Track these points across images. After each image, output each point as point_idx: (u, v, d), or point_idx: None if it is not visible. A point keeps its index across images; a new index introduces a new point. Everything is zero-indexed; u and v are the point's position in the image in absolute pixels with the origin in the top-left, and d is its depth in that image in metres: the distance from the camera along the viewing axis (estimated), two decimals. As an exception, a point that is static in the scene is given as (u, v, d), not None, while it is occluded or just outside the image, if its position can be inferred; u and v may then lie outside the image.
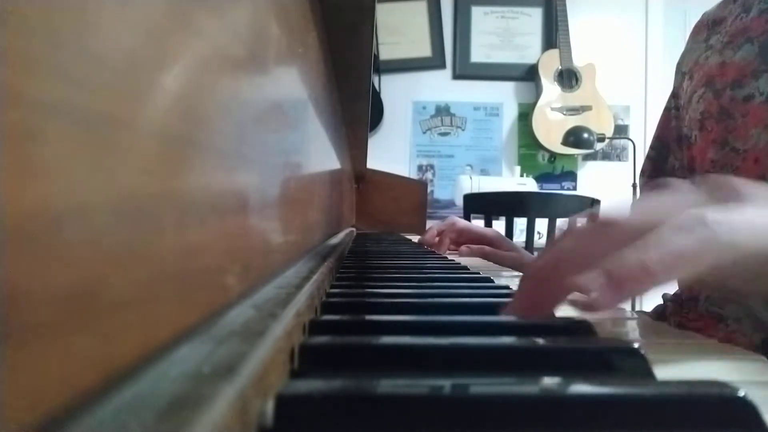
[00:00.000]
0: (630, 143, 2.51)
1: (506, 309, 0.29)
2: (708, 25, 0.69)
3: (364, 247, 0.92)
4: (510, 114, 2.78)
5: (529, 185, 2.42)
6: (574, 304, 0.25)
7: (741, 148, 0.58)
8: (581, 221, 0.31)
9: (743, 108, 0.59)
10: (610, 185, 2.62)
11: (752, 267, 0.26)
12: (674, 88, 0.77)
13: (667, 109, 0.78)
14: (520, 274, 0.66)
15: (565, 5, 2.67)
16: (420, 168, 2.76)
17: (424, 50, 2.77)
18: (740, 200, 0.27)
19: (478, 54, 2.79)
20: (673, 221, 0.25)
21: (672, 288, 0.68)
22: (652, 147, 0.80)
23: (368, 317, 0.29)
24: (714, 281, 0.30)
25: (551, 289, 0.28)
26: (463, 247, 0.87)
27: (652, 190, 0.30)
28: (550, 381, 0.18)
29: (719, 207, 0.26)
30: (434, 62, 2.77)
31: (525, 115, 2.74)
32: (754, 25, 0.60)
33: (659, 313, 0.69)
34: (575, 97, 2.65)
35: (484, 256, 0.85)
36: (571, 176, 2.76)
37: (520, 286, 0.31)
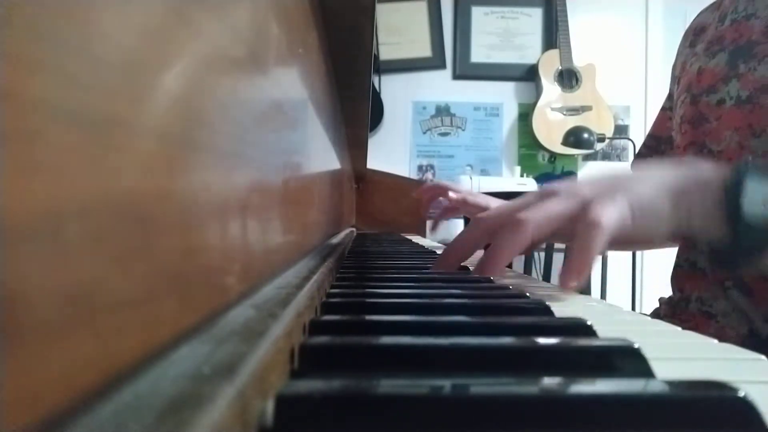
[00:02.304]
0: (630, 143, 2.51)
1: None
2: (695, 31, 0.73)
3: (364, 247, 0.92)
4: (510, 114, 2.78)
5: (530, 185, 2.42)
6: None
7: (715, 149, 0.62)
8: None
9: (716, 112, 0.62)
10: (610, 185, 2.61)
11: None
12: (670, 88, 0.80)
13: (663, 109, 0.81)
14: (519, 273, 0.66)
15: (565, 5, 2.67)
16: (420, 168, 2.76)
17: (424, 50, 2.77)
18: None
19: (478, 54, 2.79)
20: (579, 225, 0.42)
21: (667, 291, 0.70)
22: (644, 144, 0.84)
23: (368, 317, 0.29)
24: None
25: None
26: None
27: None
28: (550, 381, 0.18)
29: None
30: (434, 62, 2.77)
31: (525, 116, 2.74)
32: (727, 34, 0.64)
33: (656, 316, 0.70)
34: (575, 98, 2.65)
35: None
36: (572, 176, 2.77)
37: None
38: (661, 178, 0.45)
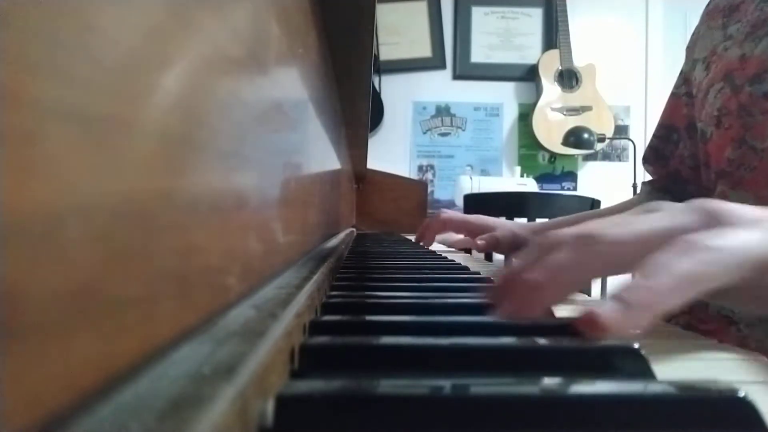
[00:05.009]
0: (630, 143, 2.51)
1: (492, 311, 0.27)
2: (724, 11, 0.64)
3: (364, 247, 0.92)
4: (510, 114, 2.78)
5: (530, 185, 2.42)
6: (583, 327, 0.23)
7: (759, 147, 0.55)
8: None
9: (762, 104, 0.55)
10: (610, 185, 2.62)
11: (751, 286, 0.26)
12: (684, 72, 0.72)
13: (675, 95, 0.73)
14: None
15: (565, 5, 2.67)
16: (420, 168, 2.76)
17: (424, 50, 2.77)
18: (730, 224, 0.27)
19: (479, 54, 2.79)
20: (672, 247, 0.25)
21: None
22: (655, 135, 0.76)
23: (368, 317, 0.29)
24: (716, 301, 0.30)
25: (540, 297, 0.27)
26: (480, 242, 0.85)
27: (640, 211, 0.29)
28: (550, 381, 0.18)
29: (712, 231, 0.26)
30: (434, 62, 2.77)
31: (525, 116, 2.74)
32: None
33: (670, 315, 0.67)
34: (575, 98, 2.65)
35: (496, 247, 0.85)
36: (572, 176, 2.76)
37: (504, 286, 0.28)
38: None
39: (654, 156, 0.77)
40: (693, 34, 0.71)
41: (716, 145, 0.61)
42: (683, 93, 0.72)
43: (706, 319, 0.60)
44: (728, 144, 0.59)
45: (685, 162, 0.73)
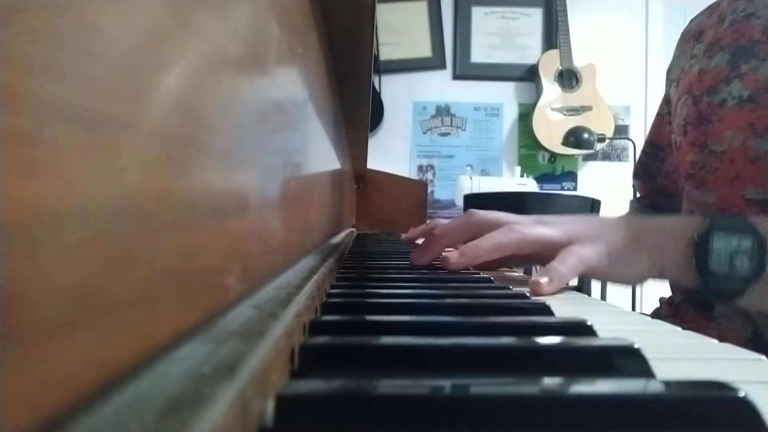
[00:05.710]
0: (630, 143, 2.51)
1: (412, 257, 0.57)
2: (694, 36, 0.74)
3: (364, 247, 0.92)
4: (510, 114, 2.78)
5: (530, 185, 2.42)
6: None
7: (718, 150, 0.63)
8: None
9: (718, 112, 0.63)
10: (610, 185, 2.62)
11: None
12: (666, 94, 0.80)
13: (660, 115, 0.82)
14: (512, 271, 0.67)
15: (565, 5, 2.67)
16: (420, 168, 2.76)
17: (424, 50, 2.77)
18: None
19: (479, 54, 2.79)
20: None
21: (667, 291, 0.70)
22: (644, 151, 0.85)
23: (368, 317, 0.29)
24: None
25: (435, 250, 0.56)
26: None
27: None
28: (550, 381, 0.18)
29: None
30: (434, 62, 2.77)
31: (525, 116, 2.73)
32: (726, 35, 0.65)
33: (656, 316, 0.70)
34: (575, 98, 2.65)
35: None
36: (572, 176, 2.76)
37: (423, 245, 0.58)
38: (635, 233, 0.51)
39: (643, 172, 0.86)
40: (671, 60, 0.80)
41: (683, 151, 0.69)
42: (666, 113, 0.80)
43: (689, 319, 0.65)
44: (690, 149, 0.67)
45: (670, 176, 0.81)
